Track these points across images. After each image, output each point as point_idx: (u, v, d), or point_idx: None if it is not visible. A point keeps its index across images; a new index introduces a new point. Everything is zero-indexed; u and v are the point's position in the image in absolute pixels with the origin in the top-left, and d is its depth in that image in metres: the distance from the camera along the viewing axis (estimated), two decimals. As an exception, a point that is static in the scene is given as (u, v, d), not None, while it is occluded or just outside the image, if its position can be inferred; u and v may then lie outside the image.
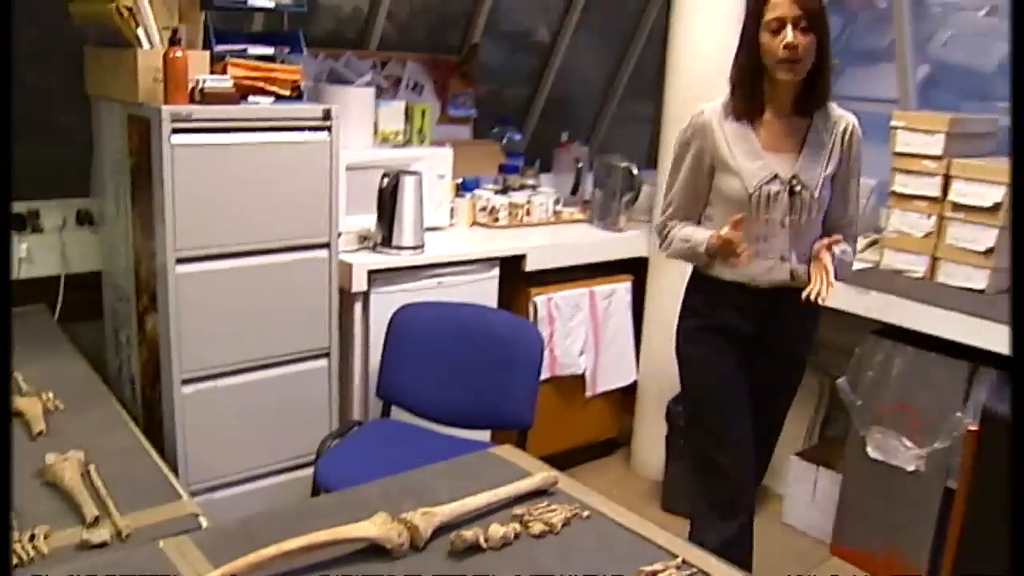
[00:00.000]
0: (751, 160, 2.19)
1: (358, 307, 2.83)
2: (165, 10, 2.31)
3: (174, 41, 2.25)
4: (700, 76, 3.23)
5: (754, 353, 2.31)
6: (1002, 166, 2.89)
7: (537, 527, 1.59)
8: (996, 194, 2.86)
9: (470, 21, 3.87)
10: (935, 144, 3.03)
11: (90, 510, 1.58)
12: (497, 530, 1.54)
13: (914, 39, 3.71)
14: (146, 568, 1.37)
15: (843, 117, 2.25)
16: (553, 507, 1.66)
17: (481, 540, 1.51)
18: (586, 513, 1.67)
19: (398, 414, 2.71)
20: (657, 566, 1.48)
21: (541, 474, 1.77)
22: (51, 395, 2.10)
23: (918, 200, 3.05)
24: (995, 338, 2.58)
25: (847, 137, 2.23)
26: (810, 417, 3.49)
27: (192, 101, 2.28)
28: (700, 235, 2.24)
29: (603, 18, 4.36)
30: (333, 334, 2.65)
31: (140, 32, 2.27)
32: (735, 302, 2.26)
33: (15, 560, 1.42)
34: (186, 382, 2.39)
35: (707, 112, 2.26)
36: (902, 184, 3.10)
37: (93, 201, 2.82)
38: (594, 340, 3.47)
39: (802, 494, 3.26)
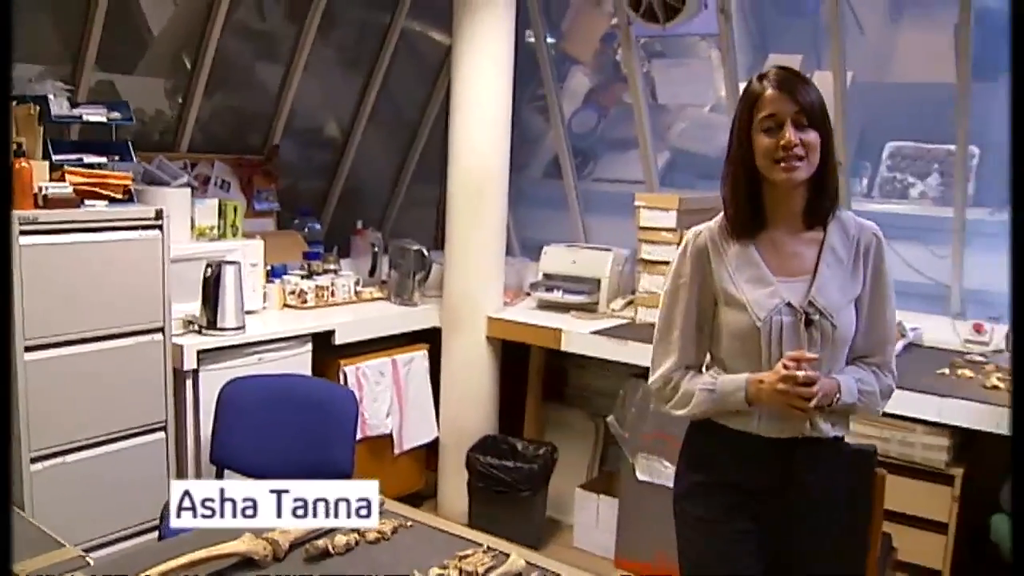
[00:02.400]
0: (758, 287, 1.88)
1: (189, 384, 3.14)
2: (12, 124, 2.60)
3: (19, 153, 2.55)
4: (478, 164, 3.83)
5: (774, 518, 1.93)
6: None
7: (372, 535, 1.99)
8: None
9: (271, 123, 4.30)
10: (670, 219, 3.75)
11: (-14, 560, 1.84)
12: (341, 539, 1.93)
13: (653, 130, 4.42)
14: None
15: (864, 229, 1.94)
16: (383, 521, 2.08)
17: (330, 547, 1.91)
18: (409, 523, 2.10)
19: (231, 477, 3.02)
20: (468, 551, 1.93)
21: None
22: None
23: (661, 265, 3.74)
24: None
25: (870, 251, 1.92)
26: (589, 454, 4.09)
27: (36, 206, 2.57)
28: (729, 380, 1.89)
29: (390, 113, 4.88)
30: (169, 409, 2.96)
31: (-15, 146, 2.55)
32: (743, 455, 1.92)
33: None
34: (35, 460, 2.62)
35: (704, 234, 1.96)
36: (647, 252, 3.80)
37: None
38: (398, 403, 3.92)
39: (588, 520, 3.81)
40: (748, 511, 1.93)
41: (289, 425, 3.00)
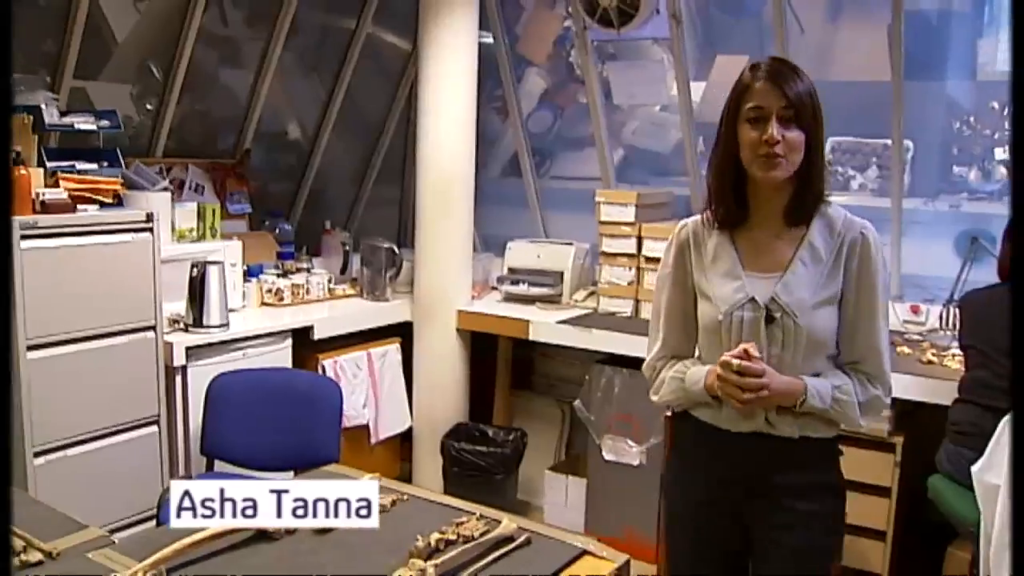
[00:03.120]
0: (726, 281, 1.90)
1: (179, 379, 3.28)
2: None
3: (17, 161, 2.67)
4: (445, 165, 4.02)
5: (746, 511, 1.95)
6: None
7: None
8: (674, 249, 3.82)
9: (241, 128, 4.43)
10: (628, 213, 3.97)
11: (17, 542, 1.97)
12: (347, 513, 2.12)
13: (608, 129, 4.65)
14: (88, 570, 1.81)
15: (851, 226, 1.87)
16: (382, 495, 2.26)
17: (337, 520, 2.09)
18: (405, 497, 2.28)
19: (221, 467, 3.17)
20: (463, 518, 2.12)
21: (368, 476, 2.37)
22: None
23: (621, 257, 3.97)
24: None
25: (855, 251, 1.85)
26: (556, 438, 4.30)
27: (35, 212, 2.70)
28: (697, 371, 1.93)
29: (353, 117, 5.03)
30: (161, 403, 3.09)
31: (-17, 156, 2.67)
32: (713, 447, 1.95)
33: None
34: (38, 454, 2.75)
35: (688, 227, 2.01)
36: (608, 245, 4.01)
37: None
38: (374, 394, 4.08)
39: (558, 500, 4.02)
40: (721, 504, 1.95)
41: (276, 416, 3.16)
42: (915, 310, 3.74)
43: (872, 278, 1.88)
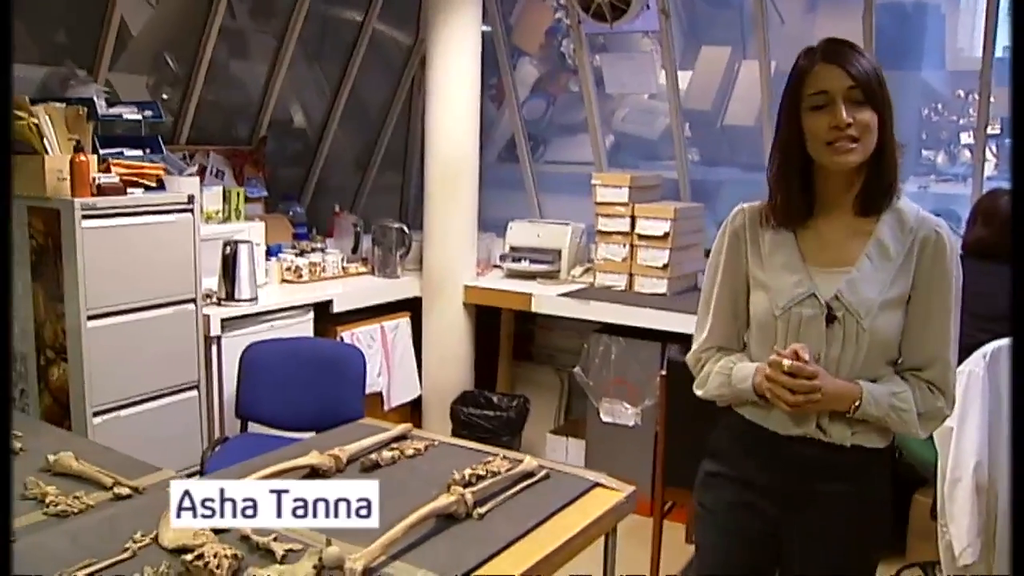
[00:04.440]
0: (785, 274, 1.77)
1: (215, 348, 3.57)
2: (64, 124, 2.99)
3: (78, 148, 2.95)
4: (452, 150, 4.32)
5: (782, 521, 1.83)
6: (667, 206, 4.18)
7: (410, 450, 2.48)
8: (665, 226, 4.15)
9: (257, 116, 4.70)
10: (622, 195, 4.28)
11: (105, 479, 2.26)
12: (387, 454, 2.41)
13: (600, 115, 4.96)
14: (172, 500, 2.10)
15: (924, 223, 1.73)
16: (415, 443, 2.57)
17: (379, 460, 2.39)
18: (436, 443, 2.59)
19: (254, 428, 3.47)
20: (489, 459, 2.43)
21: (402, 425, 2.68)
22: (6, 426, 2.68)
23: (615, 235, 4.28)
24: (676, 323, 3.77)
25: (926, 250, 1.72)
26: (556, 404, 4.63)
27: (92, 195, 2.98)
28: (745, 367, 1.81)
29: (358, 107, 5.32)
30: (200, 370, 3.38)
31: (45, 142, 2.95)
32: (756, 450, 1.83)
33: (79, 507, 2.09)
34: (96, 414, 3.04)
35: (743, 214, 1.87)
36: (603, 224, 4.33)
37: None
38: (387, 364, 4.39)
39: (559, 459, 4.33)
40: (755, 509, 1.84)
41: (304, 381, 3.45)
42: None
43: (945, 281, 1.73)
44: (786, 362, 1.68)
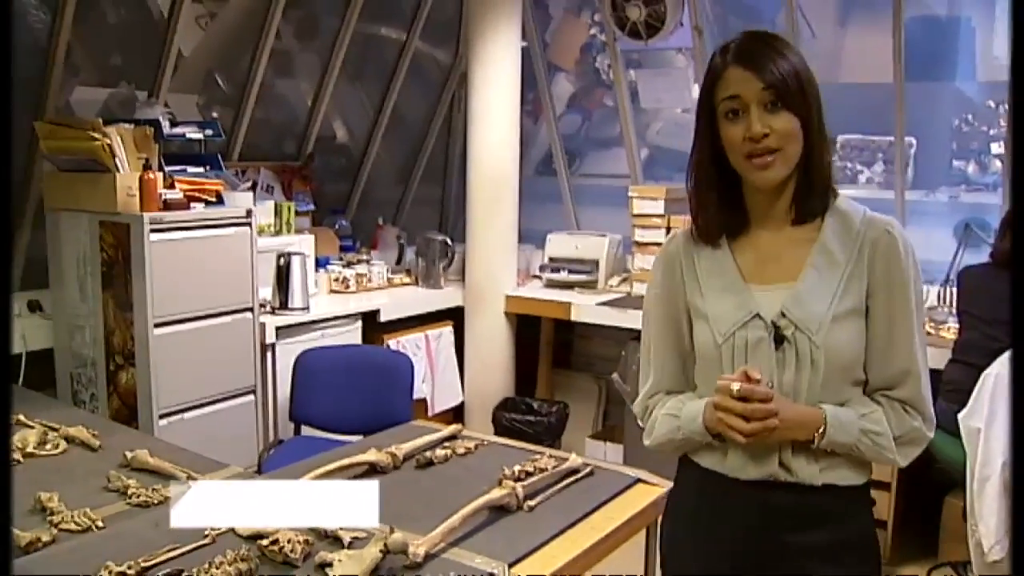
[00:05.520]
0: (727, 296, 1.59)
1: (270, 355, 3.74)
2: (133, 144, 3.18)
3: (147, 166, 3.14)
4: (494, 165, 4.48)
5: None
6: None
7: (462, 449, 2.62)
8: (699, 239, 4.26)
9: (304, 134, 4.89)
10: (658, 207, 4.42)
11: (179, 473, 2.43)
12: (440, 452, 2.56)
13: (635, 129, 5.09)
14: (242, 493, 2.26)
15: (872, 223, 1.55)
16: (465, 442, 2.71)
17: (433, 458, 2.54)
18: (486, 442, 2.74)
19: (307, 431, 3.62)
20: (536, 457, 2.56)
21: (452, 426, 2.82)
22: (82, 427, 2.86)
23: (651, 246, 4.41)
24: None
25: (878, 252, 1.53)
26: (594, 410, 4.76)
27: (159, 209, 3.16)
28: (694, 406, 1.60)
29: (400, 123, 5.50)
30: (257, 376, 3.56)
31: (116, 161, 3.14)
32: (716, 500, 1.61)
33: (158, 499, 2.25)
34: (162, 416, 3.21)
35: (677, 239, 1.70)
36: (640, 236, 4.46)
37: (46, 292, 3.54)
38: (431, 371, 4.54)
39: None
40: (725, 569, 1.62)
41: (354, 386, 3.61)
42: (917, 290, 4.15)
43: (903, 284, 1.53)
44: (735, 385, 1.47)
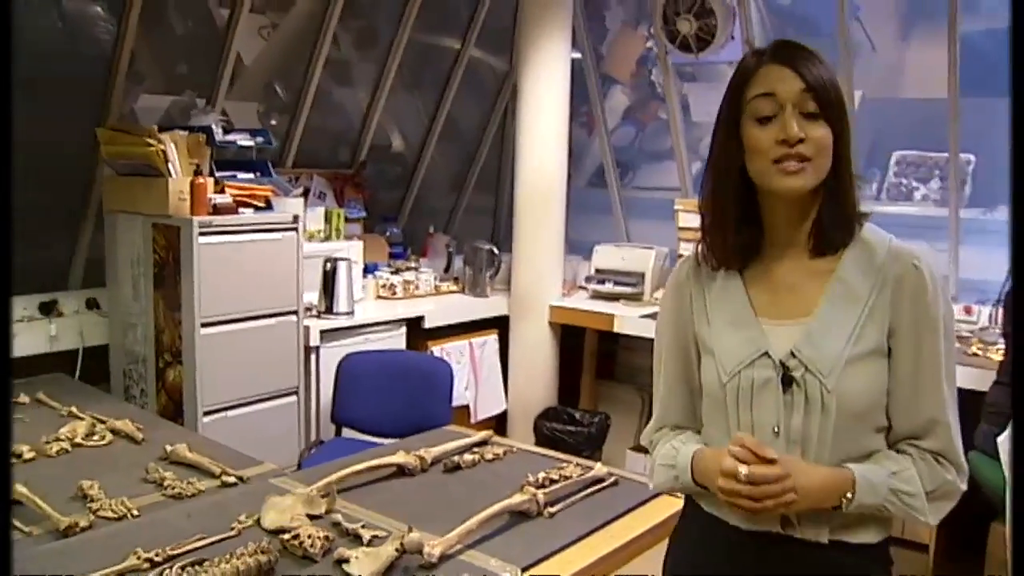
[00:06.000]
0: (735, 330, 1.47)
1: (314, 357, 3.83)
2: (186, 150, 3.30)
3: (197, 172, 3.25)
4: (541, 176, 4.52)
5: None
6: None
7: (490, 455, 2.66)
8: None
9: (358, 142, 5.00)
10: (704, 221, 4.40)
11: (214, 468, 2.51)
12: (468, 458, 2.60)
13: (686, 143, 5.08)
14: (275, 491, 2.33)
15: (898, 256, 1.42)
16: (494, 448, 2.74)
17: (461, 462, 2.58)
18: (515, 449, 2.77)
19: (348, 433, 3.70)
20: (562, 465, 2.58)
21: (483, 432, 2.86)
22: (128, 421, 2.97)
23: (696, 260, 4.40)
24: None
25: (904, 289, 1.40)
26: (636, 421, 4.75)
27: (209, 213, 3.27)
28: (686, 451, 1.51)
29: (453, 131, 5.57)
30: (300, 377, 3.64)
31: (170, 166, 3.26)
32: (717, 548, 1.52)
33: (192, 491, 2.34)
34: (206, 413, 3.31)
35: (687, 263, 1.59)
36: (685, 249, 4.44)
37: (103, 290, 3.68)
38: (474, 379, 4.59)
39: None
40: None
41: (395, 390, 3.67)
42: (968, 311, 4.08)
43: (931, 326, 1.40)
44: (742, 469, 1.34)
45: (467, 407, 4.55)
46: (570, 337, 4.75)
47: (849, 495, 1.37)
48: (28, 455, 2.54)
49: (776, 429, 1.41)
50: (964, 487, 1.42)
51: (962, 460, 1.43)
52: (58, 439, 2.66)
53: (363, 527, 2.04)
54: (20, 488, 2.18)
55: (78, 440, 2.70)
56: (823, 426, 1.39)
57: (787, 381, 1.40)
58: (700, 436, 1.57)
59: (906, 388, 1.41)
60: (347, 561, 1.86)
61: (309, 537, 1.94)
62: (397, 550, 1.88)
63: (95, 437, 2.75)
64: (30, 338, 3.52)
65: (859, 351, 1.39)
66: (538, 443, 4.43)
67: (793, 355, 1.41)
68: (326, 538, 1.95)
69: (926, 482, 1.40)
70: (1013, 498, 1.31)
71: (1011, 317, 3.22)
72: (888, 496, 1.38)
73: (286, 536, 1.95)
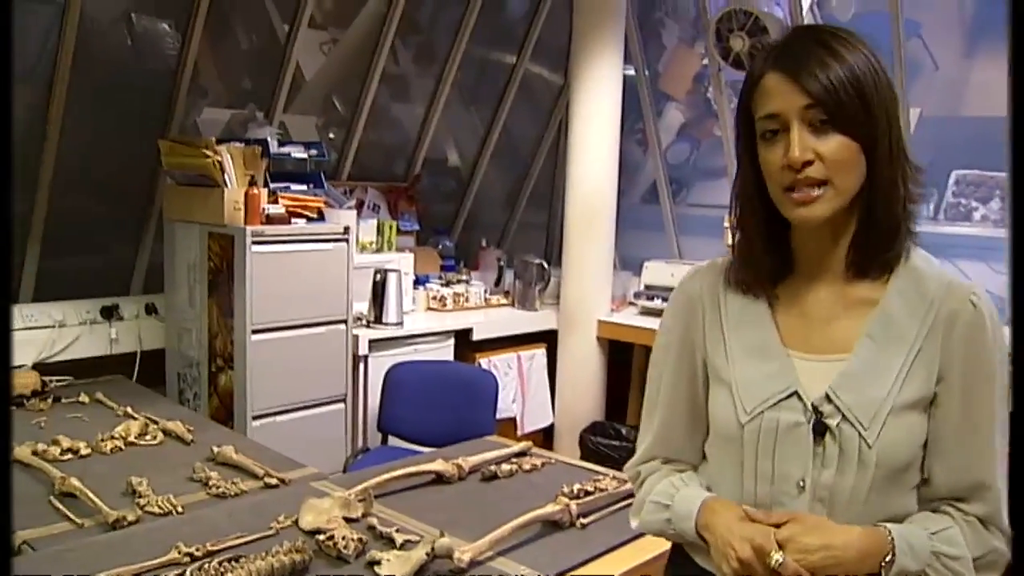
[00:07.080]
0: (757, 362, 1.28)
1: (362, 366, 3.90)
2: (242, 161, 3.40)
3: (252, 183, 3.35)
4: (591, 192, 4.55)
5: None
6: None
7: (527, 466, 2.69)
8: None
9: (412, 155, 5.09)
10: (753, 238, 4.38)
11: (257, 470, 2.58)
12: (506, 468, 2.63)
13: (740, 160, 5.09)
14: (315, 493, 2.39)
15: (952, 290, 1.23)
16: (533, 459, 2.77)
17: (498, 472, 2.61)
18: (553, 461, 2.79)
19: (394, 441, 3.75)
20: (599, 478, 2.60)
21: (522, 443, 2.89)
22: (180, 422, 3.06)
23: (744, 278, 4.38)
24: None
25: (956, 328, 1.21)
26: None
27: (262, 223, 3.36)
28: (688, 498, 1.31)
29: (508, 146, 5.64)
30: (348, 385, 3.71)
31: (225, 177, 3.36)
32: None
33: (235, 491, 2.41)
34: (256, 418, 3.40)
35: (699, 276, 1.38)
36: (734, 267, 4.43)
37: (161, 296, 3.81)
38: (521, 392, 4.62)
39: (680, 495, 4.44)
40: None
41: (441, 400, 3.71)
42: None
43: (987, 374, 1.21)
44: (775, 556, 1.16)
45: (514, 419, 4.58)
46: (618, 352, 4.76)
47: (888, 557, 1.17)
48: (84, 451, 2.66)
49: (802, 483, 1.22)
50: (1009, 556, 1.22)
51: (1006, 523, 1.22)
52: (112, 437, 2.78)
53: (397, 531, 2.08)
54: (75, 482, 2.30)
55: (131, 439, 2.81)
56: (858, 484, 1.19)
57: (820, 429, 1.20)
58: (699, 476, 1.38)
59: (952, 444, 1.22)
60: (379, 563, 1.90)
61: (344, 539, 1.98)
62: (428, 554, 1.91)
63: (147, 437, 2.85)
64: (92, 340, 3.67)
65: (905, 400, 1.20)
66: (584, 457, 4.45)
67: (829, 399, 1.21)
68: (360, 540, 1.99)
69: (972, 548, 1.21)
70: (1013, 497, 1.20)
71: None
72: (930, 561, 1.19)
73: (321, 537, 2.00)
